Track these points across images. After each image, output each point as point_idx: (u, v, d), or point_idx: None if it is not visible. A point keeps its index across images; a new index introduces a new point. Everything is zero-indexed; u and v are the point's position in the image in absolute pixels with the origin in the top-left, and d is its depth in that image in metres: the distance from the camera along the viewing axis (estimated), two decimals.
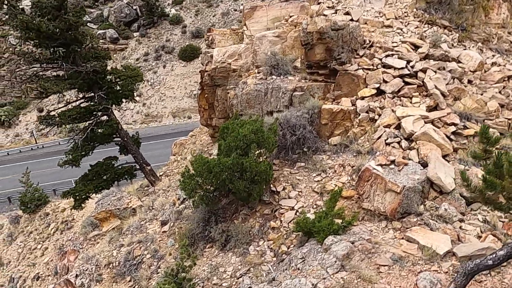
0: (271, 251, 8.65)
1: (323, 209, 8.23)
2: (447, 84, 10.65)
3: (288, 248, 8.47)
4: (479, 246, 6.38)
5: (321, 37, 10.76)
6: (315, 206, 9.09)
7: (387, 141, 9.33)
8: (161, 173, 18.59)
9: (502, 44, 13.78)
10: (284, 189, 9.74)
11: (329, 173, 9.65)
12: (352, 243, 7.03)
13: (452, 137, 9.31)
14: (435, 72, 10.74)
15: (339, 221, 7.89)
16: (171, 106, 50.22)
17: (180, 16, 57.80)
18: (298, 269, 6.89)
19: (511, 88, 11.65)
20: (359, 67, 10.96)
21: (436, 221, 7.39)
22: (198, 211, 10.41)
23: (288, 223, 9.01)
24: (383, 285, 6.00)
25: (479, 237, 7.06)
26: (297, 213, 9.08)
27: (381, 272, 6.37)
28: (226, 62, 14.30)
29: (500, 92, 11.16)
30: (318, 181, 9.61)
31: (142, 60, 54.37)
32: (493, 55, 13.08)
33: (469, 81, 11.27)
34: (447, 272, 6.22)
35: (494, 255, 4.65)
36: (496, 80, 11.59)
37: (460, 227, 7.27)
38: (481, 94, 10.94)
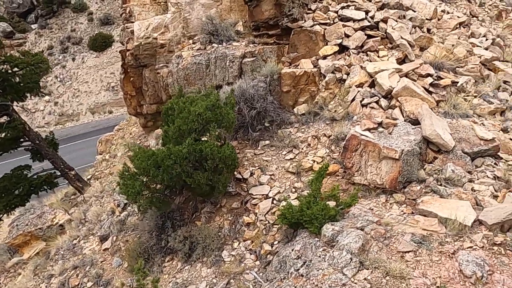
0: (251, 254, 6.96)
1: (309, 191, 6.70)
2: (410, 33, 9.64)
3: (272, 247, 6.85)
4: (511, 208, 5.34)
5: None
6: (294, 190, 7.54)
7: (363, 102, 8.03)
8: (89, 177, 15.79)
9: None
10: (252, 174, 8.04)
11: (302, 148, 8.14)
12: (362, 229, 5.61)
13: (431, 89, 8.29)
14: (396, 21, 9.65)
15: (332, 203, 6.44)
16: (87, 102, 45.40)
17: (84, 3, 51.96)
18: (302, 275, 5.29)
19: (465, 34, 11.08)
20: (315, 23, 9.48)
21: (446, 186, 6.26)
22: (147, 217, 8.33)
23: (265, 215, 7.36)
24: (420, 280, 4.66)
25: (495, 196, 6.07)
26: (274, 201, 7.46)
27: (407, 261, 5.04)
28: (151, 36, 11.98)
29: (459, 38, 10.46)
30: (291, 159, 8.05)
31: (46, 54, 48.09)
32: (440, 3, 12.48)
33: (428, 30, 10.40)
34: (483, 247, 5.07)
35: None
36: (452, 27, 10.92)
37: (472, 189, 6.22)
38: (443, 43, 10.13)
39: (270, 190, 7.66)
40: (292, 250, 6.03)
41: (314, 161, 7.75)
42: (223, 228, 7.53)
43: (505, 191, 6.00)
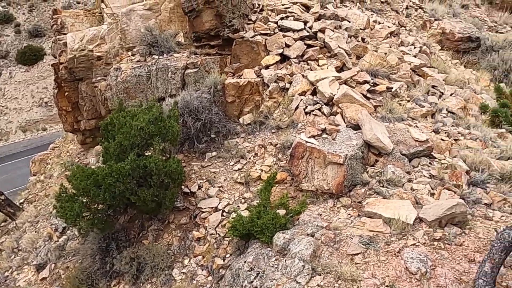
0: (203, 269, 6.75)
1: (259, 201, 6.67)
2: (346, 42, 10.07)
3: (224, 260, 6.70)
4: (447, 204, 5.67)
5: (209, 0, 8.99)
6: (243, 201, 7.48)
7: (306, 110, 8.21)
8: (21, 201, 14.55)
9: (374, 4, 14.09)
10: (200, 187, 7.87)
11: (250, 158, 8.12)
12: (312, 236, 5.67)
13: (368, 95, 8.69)
14: (333, 31, 10.05)
15: (282, 212, 6.46)
16: (18, 120, 42.17)
17: (9, 14, 48.44)
18: (256, 287, 5.21)
19: (395, 43, 11.80)
20: (256, 33, 9.59)
21: (387, 187, 6.54)
22: (89, 240, 7.82)
23: (215, 229, 7.21)
24: (370, 281, 4.78)
25: (432, 194, 6.45)
26: (224, 214, 7.34)
27: (357, 263, 5.16)
28: (87, 49, 11.44)
29: (390, 46, 11.11)
30: (239, 169, 8.00)
31: None
32: (371, 14, 13.21)
33: (362, 39, 10.94)
34: (425, 243, 5.34)
35: None
36: (384, 36, 11.58)
37: (411, 188, 6.56)
38: (376, 51, 10.70)
39: (219, 203, 7.53)
40: (245, 262, 5.94)
41: (262, 170, 7.76)
42: (172, 245, 7.26)
43: (440, 188, 6.39)
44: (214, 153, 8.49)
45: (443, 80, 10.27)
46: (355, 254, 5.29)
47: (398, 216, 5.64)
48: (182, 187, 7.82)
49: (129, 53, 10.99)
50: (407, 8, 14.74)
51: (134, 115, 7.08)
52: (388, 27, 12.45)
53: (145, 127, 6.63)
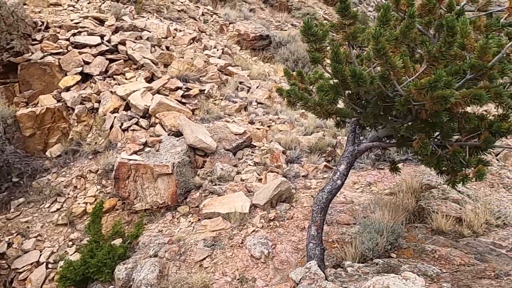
0: None
1: (89, 238, 5.86)
2: (151, 52, 9.87)
3: None
4: (273, 185, 6.07)
5: None
6: (70, 244, 6.47)
7: (123, 127, 7.68)
8: None
9: (172, 13, 14.30)
10: (10, 245, 6.45)
11: (69, 193, 7.09)
12: (156, 256, 5.26)
13: (183, 100, 8.70)
14: (135, 42, 9.69)
15: (119, 241, 5.83)
16: None
17: None
18: None
19: (199, 48, 12.25)
20: (45, 53, 8.45)
21: (220, 184, 6.63)
22: None
23: (41, 287, 6.01)
24: (222, 280, 4.70)
25: (260, 180, 6.86)
26: (50, 265, 6.20)
27: (206, 267, 5.02)
28: None
29: (195, 51, 11.45)
30: (58, 209, 6.90)
31: None
32: (171, 23, 13.36)
33: (167, 47, 10.94)
34: (262, 226, 5.60)
35: (337, 174, 4.22)
36: (187, 43, 11.85)
37: (241, 179, 6.83)
38: (183, 57, 10.86)
39: (40, 255, 6.33)
40: None
41: (86, 203, 6.88)
42: None
43: (265, 172, 6.85)
44: (21, 199, 7.11)
45: (248, 75, 11.15)
46: (203, 259, 5.16)
47: (234, 209, 5.76)
48: None
49: None
50: (203, 14, 15.48)
51: None
52: (190, 33, 12.81)
53: None
